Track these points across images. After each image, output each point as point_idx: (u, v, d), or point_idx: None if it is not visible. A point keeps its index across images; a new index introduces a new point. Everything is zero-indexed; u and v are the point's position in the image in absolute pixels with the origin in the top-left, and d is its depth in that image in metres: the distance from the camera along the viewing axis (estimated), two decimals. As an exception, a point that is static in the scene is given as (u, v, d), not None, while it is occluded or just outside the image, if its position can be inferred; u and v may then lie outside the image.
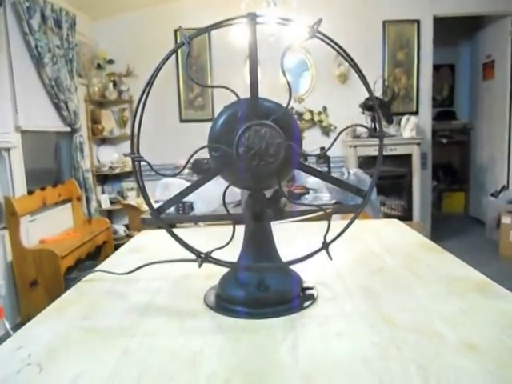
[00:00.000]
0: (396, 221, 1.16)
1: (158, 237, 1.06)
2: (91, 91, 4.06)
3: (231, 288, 0.63)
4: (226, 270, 0.66)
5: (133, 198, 4.26)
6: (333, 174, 3.02)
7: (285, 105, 0.54)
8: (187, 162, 0.58)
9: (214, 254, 0.60)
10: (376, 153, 4.09)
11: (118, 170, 4.19)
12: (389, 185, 4.22)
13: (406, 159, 4.19)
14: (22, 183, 3.06)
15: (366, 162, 4.25)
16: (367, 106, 4.14)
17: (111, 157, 4.24)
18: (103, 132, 4.16)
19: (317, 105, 4.36)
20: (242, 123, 0.49)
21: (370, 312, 0.60)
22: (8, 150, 2.87)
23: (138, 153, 0.58)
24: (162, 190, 2.47)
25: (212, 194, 2.28)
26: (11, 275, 2.90)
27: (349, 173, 2.42)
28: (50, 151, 3.65)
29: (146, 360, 0.51)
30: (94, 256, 3.58)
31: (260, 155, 0.48)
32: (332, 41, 0.54)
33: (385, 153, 4.17)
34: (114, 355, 0.52)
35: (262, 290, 0.60)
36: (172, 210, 2.28)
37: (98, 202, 4.12)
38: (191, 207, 2.27)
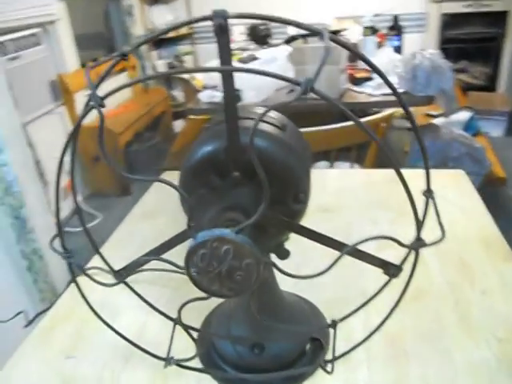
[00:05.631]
0: (461, 174, 0.95)
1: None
2: None
3: (223, 340, 0.54)
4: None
5: (190, 64, 4.07)
6: (408, 48, 2.61)
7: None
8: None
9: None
10: (466, 9, 3.47)
11: (173, 33, 3.93)
12: (473, 49, 3.64)
13: (500, 18, 3.51)
14: (74, 57, 2.96)
15: (451, 22, 3.64)
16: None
17: (165, 18, 3.94)
18: (154, -11, 3.81)
19: None
20: (196, 227, 0.34)
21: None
22: (52, 22, 2.72)
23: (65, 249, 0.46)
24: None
25: (262, 79, 2.05)
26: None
27: (423, 56, 2.06)
28: (99, 18, 3.43)
29: None
30: (152, 127, 3.59)
31: (221, 281, 0.34)
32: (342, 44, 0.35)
33: (474, 9, 3.52)
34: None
35: (256, 351, 0.51)
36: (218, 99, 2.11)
37: (154, 68, 3.97)
38: (239, 97, 2.09)
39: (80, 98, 2.87)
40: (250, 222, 0.33)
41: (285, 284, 0.56)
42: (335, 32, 2.68)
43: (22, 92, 2.27)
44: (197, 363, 0.56)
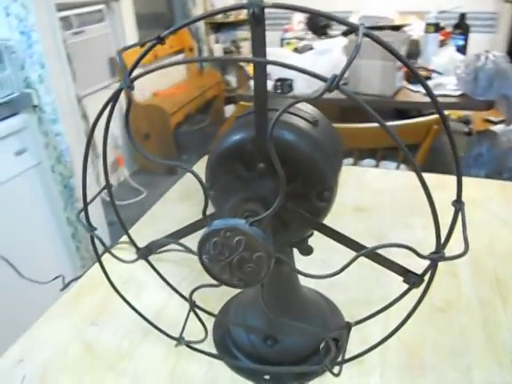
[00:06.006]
0: (511, 186, 0.90)
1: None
2: None
3: (238, 328, 0.54)
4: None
5: (247, 50, 4.08)
6: (473, 48, 2.50)
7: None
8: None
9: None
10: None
11: (232, 18, 3.94)
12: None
13: None
14: (134, 35, 3.04)
15: (523, 23, 3.43)
16: None
17: (225, 1, 3.95)
18: (218, -28, 3.82)
19: None
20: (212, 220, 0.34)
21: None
22: (117, 0, 2.79)
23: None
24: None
25: (315, 69, 2.03)
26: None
27: (487, 58, 1.96)
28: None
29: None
30: (203, 110, 3.63)
31: (231, 270, 0.35)
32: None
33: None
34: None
35: (269, 344, 0.51)
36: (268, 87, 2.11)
37: (211, 51, 4.01)
38: (290, 86, 2.07)
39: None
40: (265, 215, 0.33)
41: (308, 281, 0.56)
42: (397, 27, 2.60)
43: (82, 66, 2.35)
44: (210, 346, 0.57)
